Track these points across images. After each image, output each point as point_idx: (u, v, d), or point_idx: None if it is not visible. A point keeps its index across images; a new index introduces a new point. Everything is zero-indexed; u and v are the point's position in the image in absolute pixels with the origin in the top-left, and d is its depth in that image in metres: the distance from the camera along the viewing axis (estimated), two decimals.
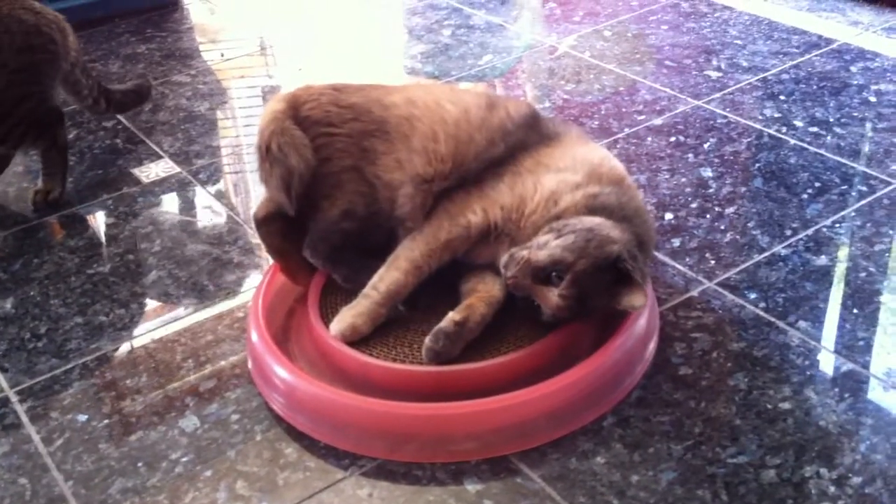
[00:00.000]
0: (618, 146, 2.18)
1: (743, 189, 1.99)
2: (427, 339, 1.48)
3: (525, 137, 1.62)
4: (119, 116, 2.49)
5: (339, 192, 1.62)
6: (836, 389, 1.47)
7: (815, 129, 2.17)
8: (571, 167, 1.55)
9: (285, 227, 1.68)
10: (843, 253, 1.78)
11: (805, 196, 1.93)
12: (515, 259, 1.44)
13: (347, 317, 1.54)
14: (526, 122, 1.63)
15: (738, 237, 1.83)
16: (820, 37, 2.61)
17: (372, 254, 1.61)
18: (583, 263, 1.40)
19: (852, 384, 1.48)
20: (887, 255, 1.76)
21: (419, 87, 1.78)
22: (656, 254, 1.79)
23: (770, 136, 2.16)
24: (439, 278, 1.56)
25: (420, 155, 1.60)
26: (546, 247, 1.42)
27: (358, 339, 1.53)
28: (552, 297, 1.42)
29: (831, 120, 2.20)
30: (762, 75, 2.43)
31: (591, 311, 1.46)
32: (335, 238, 1.63)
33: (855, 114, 2.22)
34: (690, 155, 2.12)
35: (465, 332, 1.49)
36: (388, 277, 1.55)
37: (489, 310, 1.52)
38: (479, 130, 1.61)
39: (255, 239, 1.89)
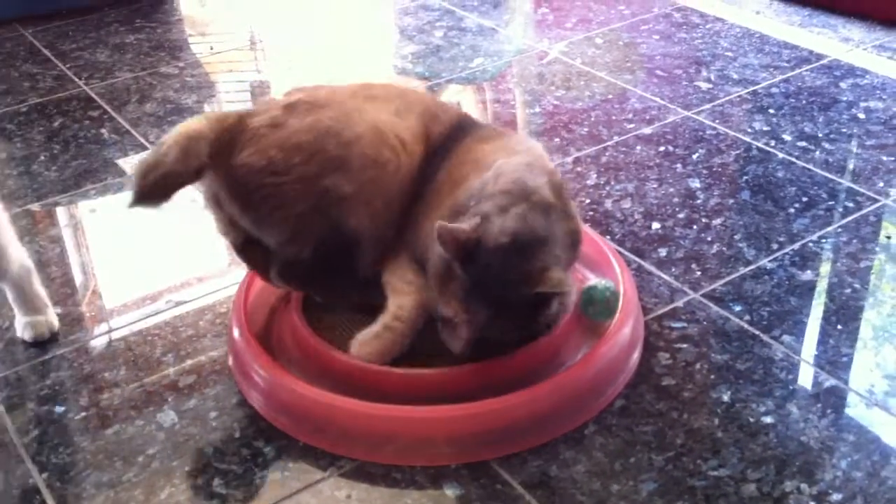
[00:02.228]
0: (607, 154, 2.17)
1: (730, 201, 1.98)
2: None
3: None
4: (105, 106, 2.47)
5: (302, 235, 1.50)
6: (819, 405, 1.47)
7: (803, 143, 2.17)
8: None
9: (266, 249, 1.57)
10: (828, 268, 1.78)
11: (792, 210, 1.93)
12: None
13: (371, 353, 1.46)
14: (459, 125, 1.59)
15: (724, 249, 1.83)
16: (811, 52, 2.62)
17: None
18: None
19: (835, 400, 1.48)
20: (872, 271, 1.76)
21: (383, 102, 1.54)
22: (642, 262, 1.79)
23: (758, 149, 2.16)
24: None
25: (397, 213, 1.50)
26: None
27: None
28: None
29: (820, 135, 2.20)
30: (752, 88, 2.43)
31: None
32: (303, 268, 1.53)
33: (843, 130, 2.22)
34: (679, 165, 2.12)
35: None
36: (406, 304, 1.47)
37: None
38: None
39: None
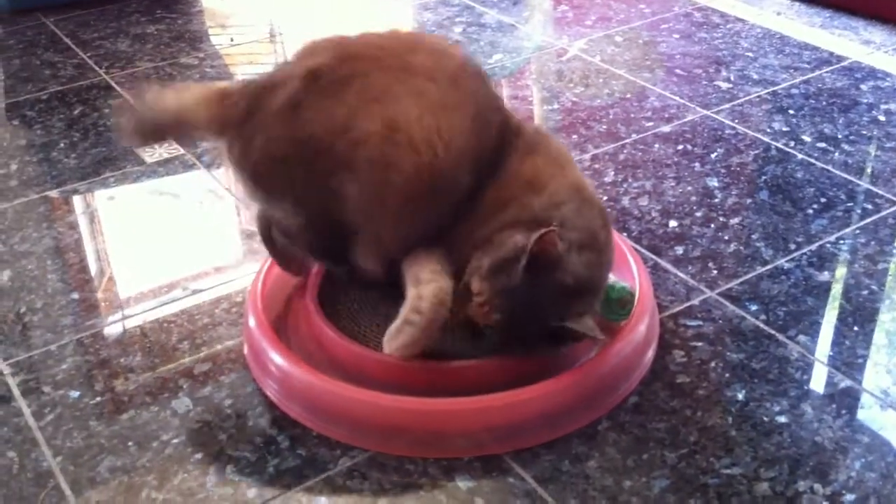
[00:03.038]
0: (625, 151, 2.17)
1: (748, 201, 1.98)
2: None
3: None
4: (125, 95, 2.48)
5: (314, 235, 1.51)
6: (833, 405, 1.46)
7: (822, 144, 2.16)
8: None
9: None
10: (845, 270, 1.77)
11: (810, 211, 1.93)
12: None
13: (396, 349, 1.44)
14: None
15: (741, 248, 1.82)
16: (831, 53, 2.61)
17: None
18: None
19: (849, 401, 1.47)
20: (889, 274, 1.76)
21: (427, 81, 1.41)
22: (659, 260, 1.79)
23: (777, 149, 2.16)
24: None
25: (413, 213, 1.43)
26: None
27: None
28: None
29: (839, 137, 2.19)
30: (772, 88, 2.43)
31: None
32: (301, 237, 1.55)
33: (863, 132, 2.21)
34: (697, 164, 2.11)
35: None
36: (425, 293, 1.42)
37: None
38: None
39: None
